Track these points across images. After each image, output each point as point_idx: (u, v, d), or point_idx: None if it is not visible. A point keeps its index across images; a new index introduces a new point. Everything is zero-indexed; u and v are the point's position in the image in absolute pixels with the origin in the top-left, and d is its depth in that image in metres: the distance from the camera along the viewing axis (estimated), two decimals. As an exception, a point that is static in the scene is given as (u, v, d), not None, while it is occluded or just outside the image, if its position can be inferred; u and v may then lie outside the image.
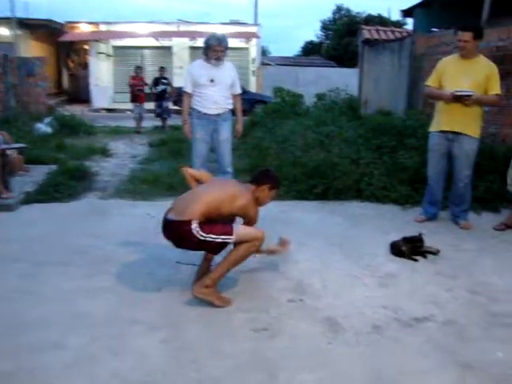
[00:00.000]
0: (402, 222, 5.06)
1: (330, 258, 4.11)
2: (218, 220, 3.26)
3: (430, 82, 4.89)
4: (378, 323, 3.10)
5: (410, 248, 4.13)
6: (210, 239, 3.13)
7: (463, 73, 4.65)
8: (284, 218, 5.07)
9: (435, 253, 4.19)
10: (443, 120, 4.79)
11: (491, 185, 5.61)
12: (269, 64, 24.00)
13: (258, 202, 3.45)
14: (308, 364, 2.68)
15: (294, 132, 7.52)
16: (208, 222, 3.19)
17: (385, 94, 11.77)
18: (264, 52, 31.37)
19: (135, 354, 2.72)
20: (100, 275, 3.70)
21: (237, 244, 3.23)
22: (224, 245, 3.21)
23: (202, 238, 3.11)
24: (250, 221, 3.40)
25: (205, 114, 5.16)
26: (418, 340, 2.94)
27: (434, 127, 4.93)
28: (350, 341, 2.91)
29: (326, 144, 6.53)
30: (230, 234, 3.16)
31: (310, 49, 40.10)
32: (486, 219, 5.27)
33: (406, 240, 4.18)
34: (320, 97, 12.69)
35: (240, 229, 3.24)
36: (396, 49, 11.40)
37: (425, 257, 4.14)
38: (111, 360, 2.67)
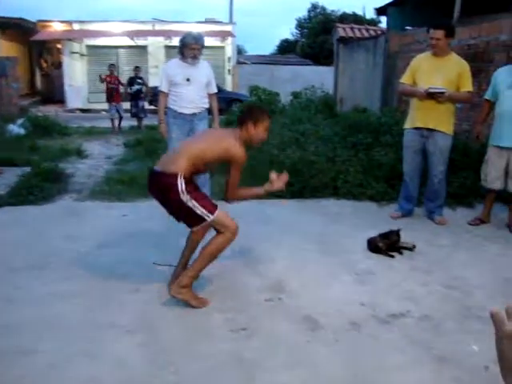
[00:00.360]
0: (378, 218, 5.11)
1: (307, 255, 4.13)
2: (200, 194, 3.23)
3: (404, 79, 4.95)
4: (355, 320, 3.12)
5: (386, 244, 4.17)
6: (191, 205, 3.09)
7: (436, 70, 4.71)
8: (261, 217, 5.07)
9: (411, 248, 4.25)
10: (417, 117, 4.85)
11: (465, 180, 5.70)
12: (245, 63, 23.98)
13: (251, 142, 3.32)
14: (286, 363, 2.68)
15: (270, 130, 7.52)
16: (197, 190, 3.21)
17: (360, 91, 11.87)
18: (240, 51, 31.34)
19: (112, 358, 2.69)
20: (75, 278, 3.65)
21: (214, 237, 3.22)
22: (199, 220, 3.15)
23: (184, 199, 3.08)
24: (234, 168, 3.21)
25: (180, 113, 5.13)
26: (395, 336, 2.97)
27: (408, 124, 4.98)
28: (328, 338, 2.93)
29: (302, 142, 6.56)
30: (211, 213, 3.13)
31: (285, 47, 40.15)
32: (460, 214, 5.36)
33: (382, 236, 4.22)
34: (296, 95, 12.74)
35: (221, 214, 3.19)
36: (370, 47, 11.50)
37: (401, 253, 4.19)
38: (88, 364, 2.63)
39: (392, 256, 4.13)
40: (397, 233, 4.21)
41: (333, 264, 3.98)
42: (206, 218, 3.13)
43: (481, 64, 6.77)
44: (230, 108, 13.96)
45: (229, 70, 21.49)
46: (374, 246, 4.20)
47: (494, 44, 6.84)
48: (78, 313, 3.16)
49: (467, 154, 6.00)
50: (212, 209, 3.15)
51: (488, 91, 4.85)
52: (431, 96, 4.64)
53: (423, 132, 4.83)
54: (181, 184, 3.07)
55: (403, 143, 5.06)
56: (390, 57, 10.11)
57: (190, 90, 5.07)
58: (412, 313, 3.23)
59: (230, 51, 21.71)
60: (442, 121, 4.76)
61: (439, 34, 4.64)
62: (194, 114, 5.14)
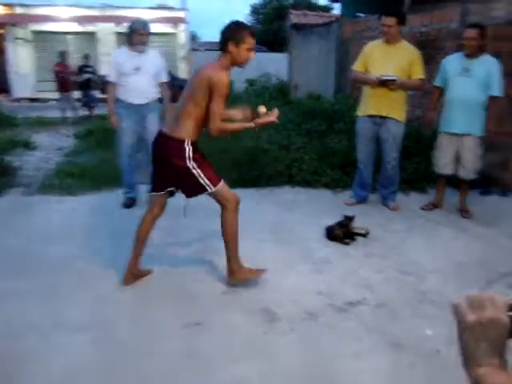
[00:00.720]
0: (333, 205, 5.13)
1: (263, 245, 4.09)
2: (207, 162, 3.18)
3: (356, 66, 4.96)
4: (312, 310, 3.12)
5: (343, 232, 4.18)
6: (195, 173, 3.07)
7: (387, 58, 4.74)
8: (215, 208, 4.94)
9: (365, 235, 4.28)
10: (370, 104, 4.87)
11: (418, 166, 5.80)
12: (198, 49, 23.67)
13: (235, 64, 3.11)
14: (243, 356, 2.65)
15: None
16: (203, 158, 3.16)
17: (314, 78, 11.88)
18: (193, 37, 30.84)
19: (64, 357, 2.59)
20: (23, 275, 3.49)
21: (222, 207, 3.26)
22: (200, 190, 3.14)
23: (189, 166, 3.06)
24: (216, 94, 2.99)
25: (130, 103, 4.97)
26: (352, 324, 2.98)
27: (361, 111, 5.01)
28: (285, 329, 2.91)
29: (255, 130, 6.49)
30: (214, 185, 3.13)
31: (240, 34, 39.76)
32: (414, 200, 5.45)
33: (340, 224, 4.23)
34: (251, 82, 12.64)
35: (223, 187, 3.21)
36: (324, 33, 11.51)
37: (354, 239, 4.21)
38: (38, 364, 2.53)
39: (347, 243, 4.16)
40: (350, 218, 4.23)
41: (289, 253, 3.97)
42: (208, 188, 3.13)
43: (432, 51, 6.85)
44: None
45: (182, 57, 21.15)
46: (332, 234, 4.21)
47: (445, 32, 6.93)
48: (27, 312, 3.03)
49: (420, 140, 6.10)
50: (216, 181, 3.15)
51: (437, 78, 4.90)
52: (383, 83, 4.66)
53: (376, 119, 4.86)
54: (188, 150, 3.04)
55: (356, 130, 5.08)
56: (343, 44, 10.15)
57: (139, 80, 4.91)
58: (368, 300, 3.25)
59: (182, 38, 21.33)
60: (394, 108, 4.80)
61: (391, 21, 4.66)
62: (144, 105, 4.99)
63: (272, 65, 17.32)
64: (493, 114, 4.67)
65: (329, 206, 5.13)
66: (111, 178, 5.71)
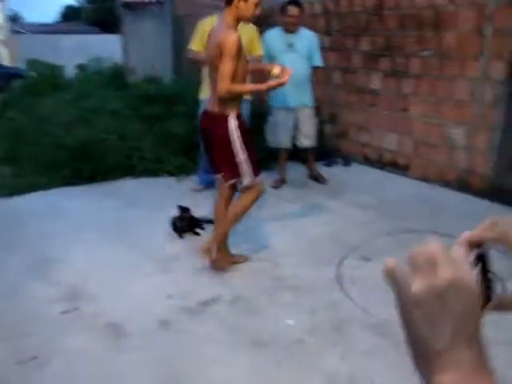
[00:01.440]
0: (179, 193, 4.80)
1: (106, 249, 3.64)
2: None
3: (193, 45, 4.65)
4: (164, 317, 2.80)
5: (187, 223, 3.90)
6: (240, 153, 3.01)
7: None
8: (50, 211, 4.37)
9: (212, 221, 4.04)
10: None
11: (261, 144, 5.67)
12: (21, 32, 21.55)
13: (244, 18, 3.01)
14: (92, 382, 2.27)
15: (53, 109, 6.67)
16: (251, 145, 3.09)
17: (151, 60, 11.33)
18: (15, 18, 28.09)
19: None
20: None
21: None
22: (235, 175, 3.07)
23: (233, 141, 2.99)
24: (225, 55, 2.85)
25: None
26: (209, 326, 2.73)
27: (204, 94, 4.72)
28: (135, 345, 2.57)
29: (90, 120, 5.89)
30: (255, 174, 3.08)
31: (70, 14, 37.33)
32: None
33: (180, 218, 3.93)
34: (82, 67, 11.71)
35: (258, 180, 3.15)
36: (157, 12, 11.01)
37: (203, 228, 3.96)
38: None
39: (197, 234, 3.89)
40: (186, 209, 3.97)
41: (135, 254, 3.57)
42: (243, 179, 3.07)
43: (266, 28, 6.79)
44: (10, 85, 12.30)
45: (2, 41, 19.06)
46: (176, 226, 3.90)
47: (277, 9, 6.94)
48: None
49: (256, 116, 5.95)
50: (257, 172, 3.10)
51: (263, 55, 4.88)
52: None
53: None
54: (233, 126, 2.99)
55: (198, 113, 4.79)
56: (177, 22, 9.78)
57: None
58: (224, 296, 3.02)
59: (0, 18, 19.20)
60: None
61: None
62: None
63: (106, 47, 16.30)
64: (319, 83, 5.02)
65: (175, 195, 4.77)
66: None
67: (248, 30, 4.63)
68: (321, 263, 3.44)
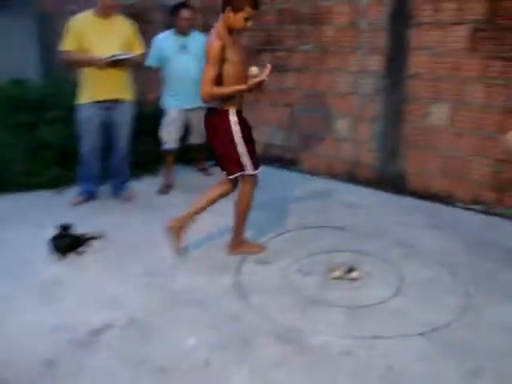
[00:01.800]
0: (59, 208, 4.36)
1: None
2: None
3: (67, 45, 4.22)
4: (50, 355, 2.44)
5: (69, 242, 3.53)
6: (239, 146, 3.19)
7: (105, 34, 4.21)
8: None
9: (98, 238, 3.71)
10: (97, 89, 4.26)
11: (148, 147, 5.38)
12: None
13: (234, 29, 3.10)
14: None
15: None
16: (251, 140, 3.32)
17: (17, 61, 10.46)
18: None
19: None
20: None
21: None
22: (238, 167, 3.22)
23: (234, 132, 3.16)
24: (207, 61, 3.06)
25: None
26: (102, 360, 2.42)
27: (85, 98, 4.32)
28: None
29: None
30: (254, 169, 3.26)
31: None
32: (148, 183, 5.17)
33: (61, 236, 3.55)
34: None
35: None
36: (19, 9, 10.14)
37: (88, 245, 3.61)
38: None
39: (80, 253, 3.54)
40: (67, 227, 3.61)
41: (7, 284, 3.13)
42: (244, 170, 3.23)
43: (143, 25, 6.47)
44: None
45: None
46: (57, 245, 3.51)
47: (152, 4, 6.74)
48: None
49: (142, 118, 5.65)
50: (257, 165, 3.28)
51: (151, 58, 4.75)
52: (114, 64, 4.11)
53: (106, 104, 4.32)
54: (233, 120, 3.16)
55: (79, 120, 4.38)
56: (45, 20, 9.09)
57: None
58: (116, 321, 2.72)
59: None
60: (124, 89, 4.41)
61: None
62: None
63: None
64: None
65: (54, 210, 4.32)
66: None
67: (125, 27, 4.39)
68: (217, 272, 3.28)
